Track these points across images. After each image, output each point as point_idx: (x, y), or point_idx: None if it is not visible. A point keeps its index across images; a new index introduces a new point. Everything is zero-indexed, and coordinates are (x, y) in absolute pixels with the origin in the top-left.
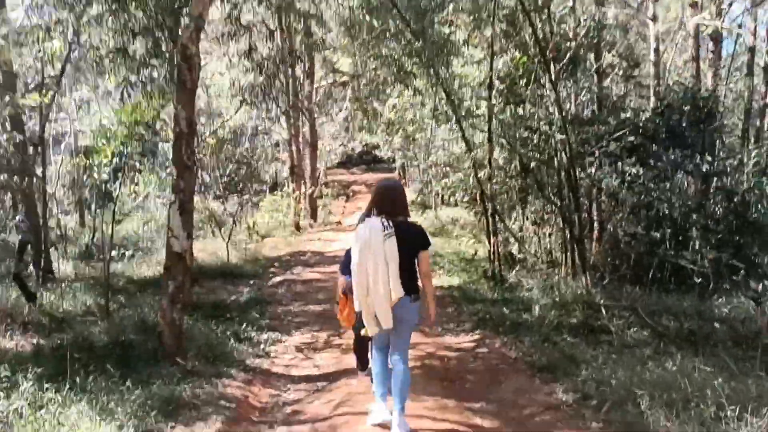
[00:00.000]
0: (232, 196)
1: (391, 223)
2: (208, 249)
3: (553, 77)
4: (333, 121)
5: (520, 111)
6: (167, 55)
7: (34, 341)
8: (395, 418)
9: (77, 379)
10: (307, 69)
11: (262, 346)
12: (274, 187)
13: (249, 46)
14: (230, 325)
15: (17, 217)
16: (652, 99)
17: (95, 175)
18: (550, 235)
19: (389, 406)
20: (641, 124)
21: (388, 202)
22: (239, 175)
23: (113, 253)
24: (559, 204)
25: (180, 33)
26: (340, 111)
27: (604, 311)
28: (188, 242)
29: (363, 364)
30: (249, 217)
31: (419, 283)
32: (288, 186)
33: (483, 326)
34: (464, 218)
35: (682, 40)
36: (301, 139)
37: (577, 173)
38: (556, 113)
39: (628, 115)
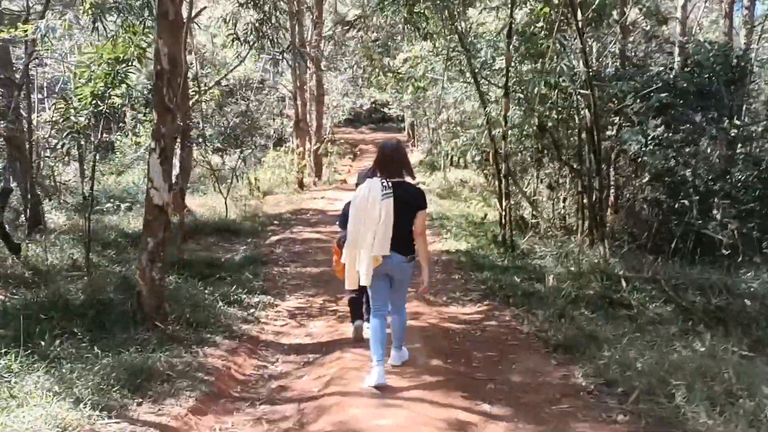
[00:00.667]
0: (233, 151)
1: (390, 184)
2: (207, 204)
3: (579, 25)
4: (341, 74)
5: (539, 66)
6: None
7: (15, 296)
8: (393, 353)
9: (42, 344)
10: (314, 17)
11: (252, 310)
12: (279, 142)
13: None
14: (220, 286)
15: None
16: (678, 58)
17: (72, 119)
18: (564, 200)
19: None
20: (670, 83)
21: (390, 163)
22: (241, 128)
23: (108, 205)
24: (576, 167)
25: None
26: (349, 68)
27: (624, 283)
28: (169, 194)
29: (354, 315)
30: (251, 172)
31: (413, 244)
32: (292, 142)
33: (492, 296)
34: (474, 180)
35: None
36: (307, 93)
37: (600, 134)
38: (581, 66)
39: (656, 71)
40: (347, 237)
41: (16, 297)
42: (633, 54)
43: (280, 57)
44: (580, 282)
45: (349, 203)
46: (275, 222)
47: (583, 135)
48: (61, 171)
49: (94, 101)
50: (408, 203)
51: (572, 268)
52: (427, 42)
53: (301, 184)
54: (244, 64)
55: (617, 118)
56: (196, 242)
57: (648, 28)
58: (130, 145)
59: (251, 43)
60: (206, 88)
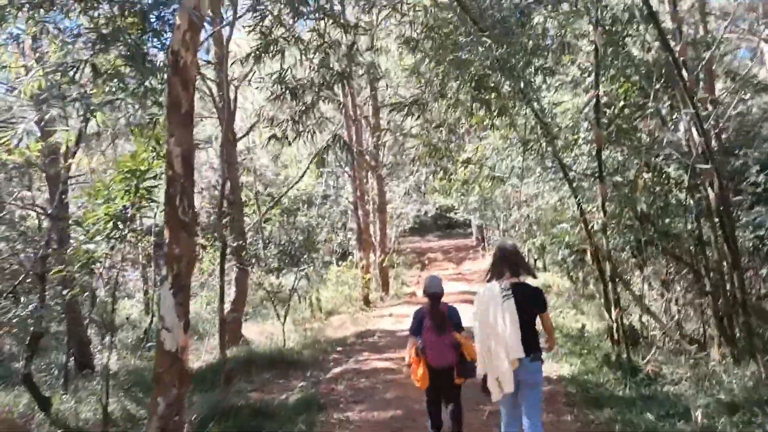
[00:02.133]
0: (292, 270)
1: (509, 285)
2: (267, 331)
3: (687, 84)
4: (403, 182)
5: (635, 142)
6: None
7: None
8: None
9: None
10: (372, 123)
11: None
12: (343, 257)
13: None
14: None
15: (32, 304)
16: None
17: (85, 247)
18: (677, 302)
19: None
20: None
21: (506, 264)
22: (300, 243)
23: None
24: (693, 261)
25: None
26: (410, 174)
27: None
28: (186, 336)
29: (435, 421)
30: (313, 291)
31: (539, 343)
32: (355, 255)
33: None
34: (558, 284)
35: None
36: (369, 205)
37: (731, 217)
38: (695, 136)
39: None
40: (478, 348)
41: None
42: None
43: (336, 162)
44: (741, 418)
45: (419, 309)
46: (338, 348)
47: (702, 220)
48: (124, 305)
49: (111, 223)
50: (527, 303)
51: (722, 397)
52: (496, 130)
53: (366, 301)
54: (304, 180)
55: (741, 197)
56: (248, 380)
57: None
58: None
59: (290, 139)
60: (268, 206)
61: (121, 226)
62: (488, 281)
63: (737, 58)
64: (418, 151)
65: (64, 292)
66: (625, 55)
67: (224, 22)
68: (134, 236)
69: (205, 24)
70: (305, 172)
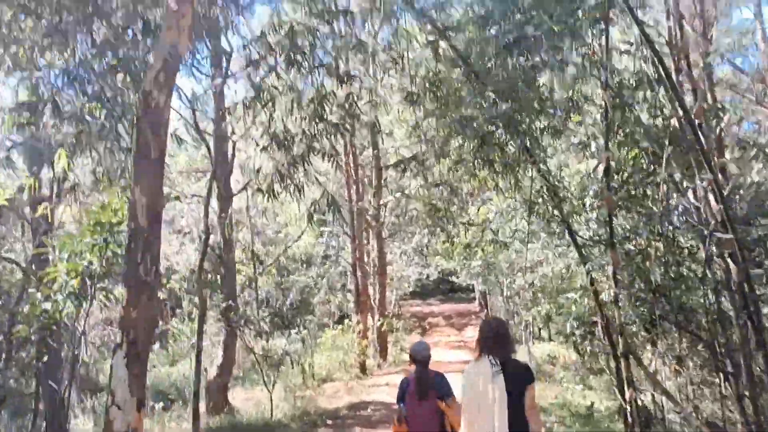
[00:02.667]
0: (284, 333)
1: (498, 361)
2: (255, 398)
3: (705, 147)
4: (405, 244)
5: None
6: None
7: None
8: None
9: None
10: (374, 183)
11: None
12: (341, 320)
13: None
14: None
15: None
16: None
17: (41, 305)
18: (702, 384)
19: None
20: None
21: (494, 340)
22: (295, 304)
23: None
24: (712, 338)
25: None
26: (412, 236)
27: None
28: (140, 415)
29: None
30: (307, 356)
31: (527, 424)
32: (353, 318)
33: None
34: (564, 356)
35: None
36: (369, 266)
37: (754, 289)
38: (713, 203)
39: None
40: (465, 424)
41: None
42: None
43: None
44: None
45: (405, 378)
46: (329, 422)
47: (723, 293)
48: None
49: (75, 279)
50: (517, 380)
51: None
52: (500, 193)
53: (363, 368)
54: (304, 239)
55: (761, 270)
56: None
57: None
58: (178, 333)
59: (276, 193)
60: (264, 266)
61: (88, 284)
62: (477, 357)
63: (743, 129)
64: (419, 210)
65: (23, 354)
66: (635, 119)
67: (221, 74)
68: (105, 295)
69: (204, 76)
70: (304, 231)
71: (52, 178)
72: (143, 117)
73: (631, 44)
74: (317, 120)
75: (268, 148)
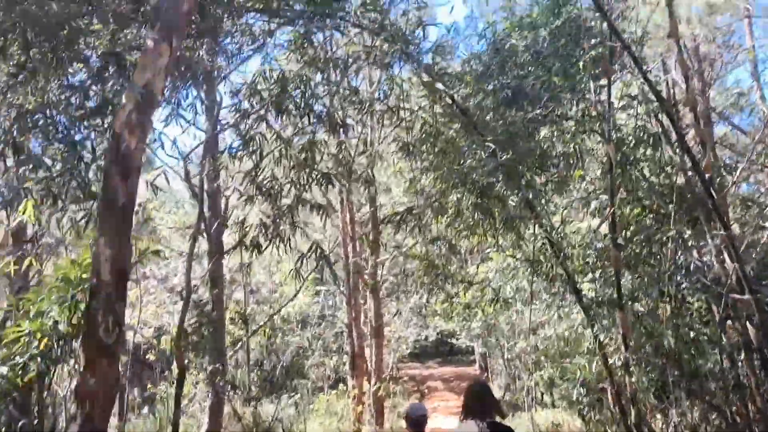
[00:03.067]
0: (275, 398)
1: (486, 425)
2: None
3: (716, 202)
4: (403, 304)
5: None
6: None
7: None
8: None
9: None
10: (370, 240)
11: None
12: (336, 383)
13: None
14: None
15: None
16: None
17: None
18: None
19: None
20: None
21: (478, 404)
22: (287, 367)
23: None
24: (727, 406)
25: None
26: (410, 296)
27: None
28: None
29: None
30: (298, 423)
31: None
32: (348, 382)
33: None
34: (568, 422)
35: None
36: (367, 327)
37: None
38: (728, 262)
39: None
40: None
41: None
42: None
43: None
44: None
45: None
46: None
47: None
48: None
49: (42, 340)
50: None
51: None
52: (500, 252)
53: None
54: (299, 298)
55: None
56: None
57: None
58: (164, 397)
59: (261, 248)
60: (257, 327)
61: (53, 345)
62: (463, 420)
63: (742, 189)
64: (415, 267)
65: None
66: (636, 177)
67: (212, 121)
68: (74, 358)
69: (189, 124)
70: (299, 290)
71: (17, 229)
72: (112, 161)
73: (633, 98)
74: (307, 170)
75: (254, 199)
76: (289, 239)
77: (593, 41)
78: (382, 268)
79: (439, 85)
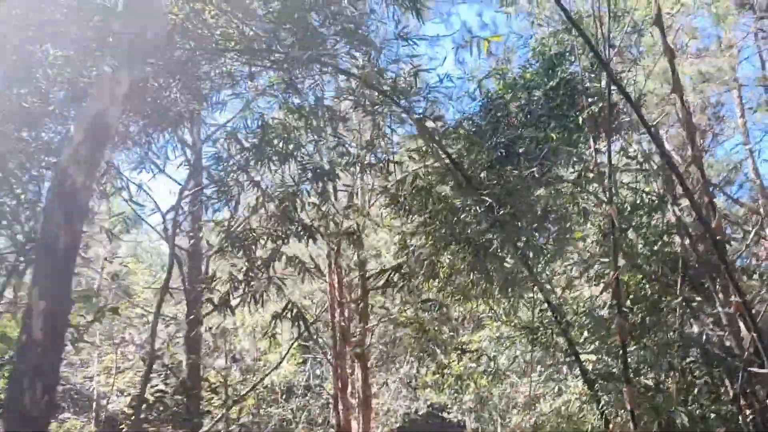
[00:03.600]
0: None
1: None
2: None
3: (728, 267)
4: (392, 374)
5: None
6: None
7: None
8: None
9: None
10: (359, 307)
11: None
12: None
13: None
14: None
15: None
16: None
17: None
18: None
19: None
20: None
21: None
22: None
23: None
24: None
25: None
26: (399, 366)
27: None
28: None
29: None
30: None
31: None
32: None
33: None
34: None
35: None
36: (352, 396)
37: None
38: (744, 331)
39: None
40: None
41: None
42: None
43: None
44: None
45: None
46: None
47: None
48: None
49: None
50: None
51: None
52: (495, 320)
53: None
54: (284, 367)
55: None
56: None
57: None
58: None
59: (231, 306)
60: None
61: None
62: None
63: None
64: (404, 334)
65: None
66: (637, 242)
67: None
68: None
69: (161, 172)
70: (284, 358)
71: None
72: (54, 199)
73: (633, 158)
74: (286, 220)
75: (225, 252)
76: (262, 297)
77: (590, 100)
78: (371, 336)
79: (433, 130)
